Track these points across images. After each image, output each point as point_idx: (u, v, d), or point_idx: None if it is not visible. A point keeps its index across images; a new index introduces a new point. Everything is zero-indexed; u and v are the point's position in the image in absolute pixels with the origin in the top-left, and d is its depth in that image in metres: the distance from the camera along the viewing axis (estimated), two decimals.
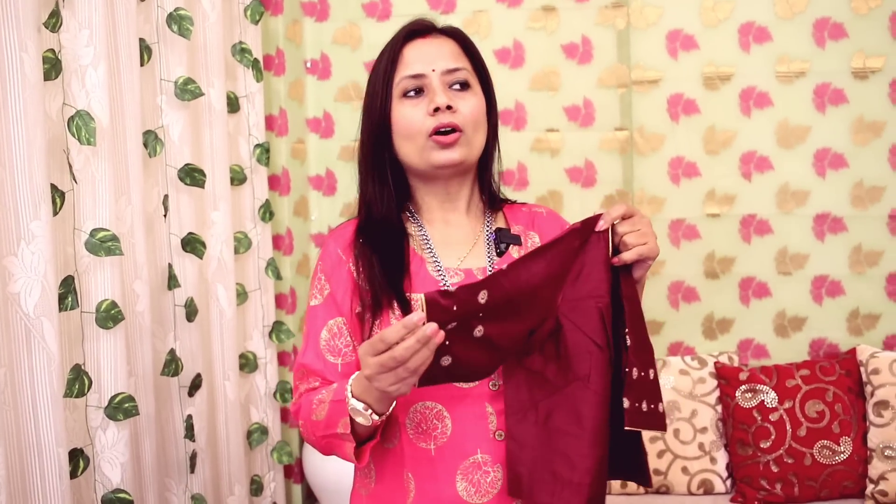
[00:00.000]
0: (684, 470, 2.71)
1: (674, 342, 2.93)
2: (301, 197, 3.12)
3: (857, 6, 2.69)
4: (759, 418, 2.64)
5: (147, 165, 2.28)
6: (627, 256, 1.35)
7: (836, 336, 2.83)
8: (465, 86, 1.46)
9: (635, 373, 1.35)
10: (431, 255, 1.47)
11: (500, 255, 1.48)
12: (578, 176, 2.93)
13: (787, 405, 2.64)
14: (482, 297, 1.23)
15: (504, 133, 2.92)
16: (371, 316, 1.42)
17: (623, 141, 2.90)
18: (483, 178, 1.55)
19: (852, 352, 2.73)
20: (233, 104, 2.71)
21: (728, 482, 2.72)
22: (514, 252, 1.50)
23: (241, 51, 2.72)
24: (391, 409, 1.32)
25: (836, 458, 2.60)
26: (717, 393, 2.75)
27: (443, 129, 1.42)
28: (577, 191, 2.93)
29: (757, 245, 2.85)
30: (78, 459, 1.96)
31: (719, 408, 2.74)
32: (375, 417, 1.29)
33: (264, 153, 2.81)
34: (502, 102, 2.94)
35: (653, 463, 2.71)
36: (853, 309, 2.81)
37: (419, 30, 1.49)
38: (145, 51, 2.26)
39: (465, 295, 1.22)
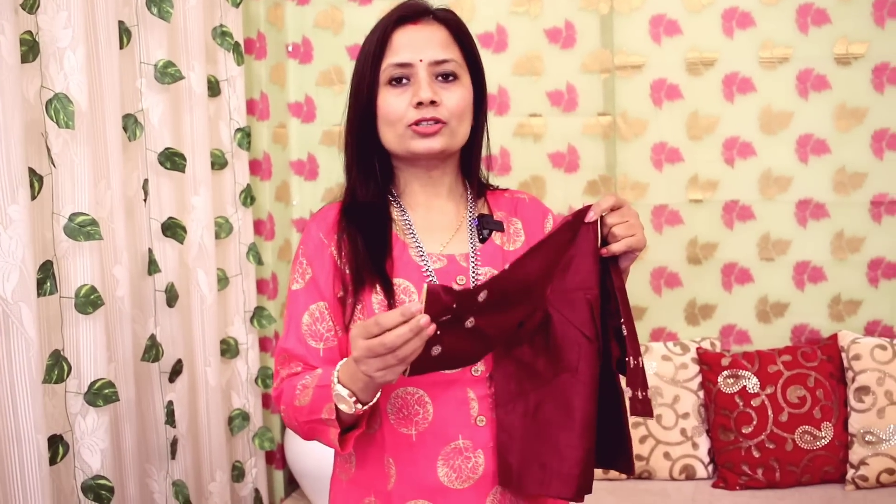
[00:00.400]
0: (666, 455, 2.72)
1: (656, 328, 2.94)
2: (283, 182, 3.09)
3: None
4: (741, 404, 2.65)
5: (127, 149, 2.25)
6: (616, 248, 1.35)
7: (817, 322, 2.84)
8: (452, 77, 1.43)
9: (632, 362, 1.36)
10: (414, 240, 1.46)
11: (482, 241, 1.47)
12: (561, 161, 2.93)
13: (768, 391, 2.65)
14: (482, 296, 1.23)
15: (487, 118, 2.94)
16: (353, 299, 1.41)
17: (606, 126, 2.89)
18: (467, 165, 1.53)
19: (833, 338, 2.75)
20: (213, 88, 2.68)
21: (710, 467, 2.73)
22: (497, 238, 1.49)
23: (221, 34, 2.69)
24: (375, 398, 1.31)
25: (818, 443, 2.61)
26: (699, 378, 2.76)
27: (424, 122, 1.40)
28: (560, 176, 2.92)
29: (739, 231, 2.85)
30: (57, 446, 1.94)
31: (701, 393, 2.75)
32: (359, 406, 1.28)
33: (245, 137, 2.79)
34: None
35: (635, 448, 2.71)
36: (835, 295, 2.82)
37: (410, 14, 1.44)
38: (125, 33, 2.23)
39: (467, 294, 1.22)
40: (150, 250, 2.33)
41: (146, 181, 2.31)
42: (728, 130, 2.82)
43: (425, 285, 1.16)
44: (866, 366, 2.61)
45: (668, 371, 2.76)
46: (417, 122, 1.40)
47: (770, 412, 2.63)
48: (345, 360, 1.30)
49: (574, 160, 2.92)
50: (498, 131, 2.94)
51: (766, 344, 2.84)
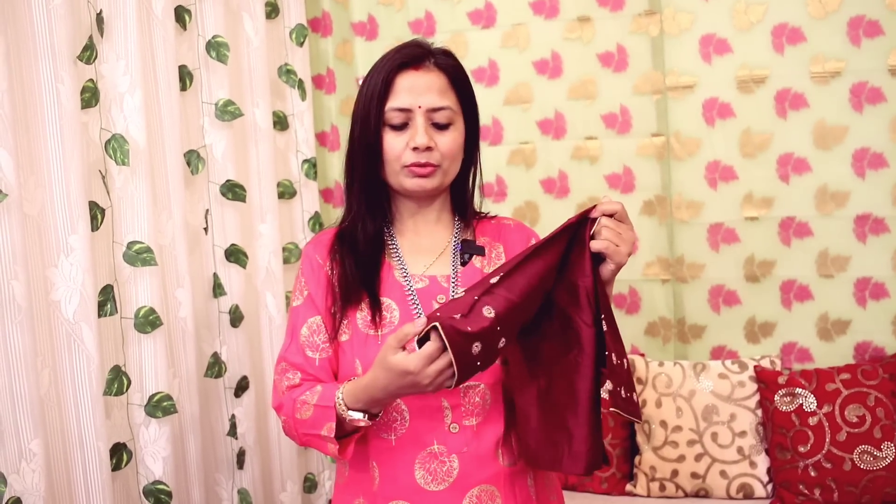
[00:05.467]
0: (723, 474, 2.70)
1: (716, 346, 2.93)
2: None
3: (891, 2, 2.62)
4: (798, 422, 2.62)
5: (191, 182, 2.46)
6: (595, 245, 1.42)
7: (881, 339, 2.76)
8: (447, 124, 1.54)
9: (614, 358, 1.42)
10: (400, 262, 1.59)
11: (463, 264, 1.59)
12: (617, 182, 2.97)
13: (825, 409, 2.60)
14: (487, 311, 1.35)
15: (545, 142, 3.03)
16: (340, 315, 1.54)
17: (660, 147, 2.92)
18: (457, 195, 1.64)
19: (895, 356, 2.67)
20: (282, 122, 2.88)
21: (769, 487, 2.70)
22: (477, 262, 1.60)
23: (286, 72, 2.88)
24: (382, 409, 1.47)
25: (878, 463, 2.55)
26: (757, 397, 2.73)
27: (419, 166, 1.52)
28: (617, 197, 2.95)
29: (797, 248, 2.81)
30: (121, 453, 2.14)
31: (759, 412, 2.73)
32: (369, 420, 1.45)
33: (312, 168, 2.97)
34: (542, 112, 3.02)
35: (690, 466, 2.72)
36: None
37: (412, 60, 1.54)
38: (187, 76, 2.44)
39: (471, 311, 1.34)
40: (215, 275, 2.53)
41: (207, 211, 2.51)
42: (782, 147, 2.79)
43: (436, 324, 1.30)
44: None
45: (724, 389, 2.75)
46: (414, 165, 1.52)
47: (827, 431, 2.58)
48: (344, 386, 1.45)
49: (630, 181, 2.96)
50: (556, 155, 3.02)
51: (828, 362, 2.78)
